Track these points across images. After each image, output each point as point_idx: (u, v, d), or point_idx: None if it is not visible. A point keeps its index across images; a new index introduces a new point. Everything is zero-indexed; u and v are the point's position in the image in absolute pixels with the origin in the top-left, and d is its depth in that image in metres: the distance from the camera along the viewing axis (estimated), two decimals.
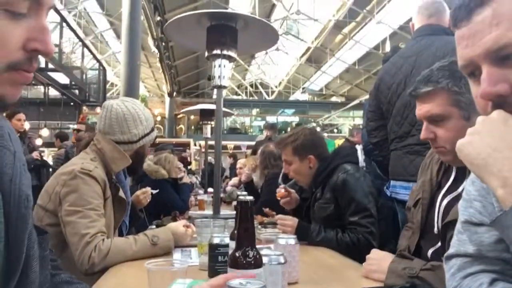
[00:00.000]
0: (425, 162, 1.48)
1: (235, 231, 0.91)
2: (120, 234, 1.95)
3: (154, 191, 2.48)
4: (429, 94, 1.26)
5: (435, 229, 1.30)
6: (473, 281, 0.86)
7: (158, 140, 7.55)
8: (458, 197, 1.24)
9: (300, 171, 2.14)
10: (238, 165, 4.96)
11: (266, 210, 2.79)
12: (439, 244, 1.28)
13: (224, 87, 2.25)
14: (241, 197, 0.90)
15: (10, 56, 0.57)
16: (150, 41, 12.29)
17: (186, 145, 11.86)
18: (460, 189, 1.27)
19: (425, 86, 1.27)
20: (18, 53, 0.57)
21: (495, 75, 0.74)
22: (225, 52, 2.19)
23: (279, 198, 2.29)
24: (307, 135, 2.15)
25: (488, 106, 0.76)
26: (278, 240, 1.27)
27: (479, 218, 0.89)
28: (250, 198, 0.90)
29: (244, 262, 0.85)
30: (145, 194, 2.38)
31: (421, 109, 1.28)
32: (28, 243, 0.68)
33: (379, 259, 1.32)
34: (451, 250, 0.95)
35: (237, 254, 0.86)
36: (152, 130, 1.90)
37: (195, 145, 12.27)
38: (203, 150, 7.80)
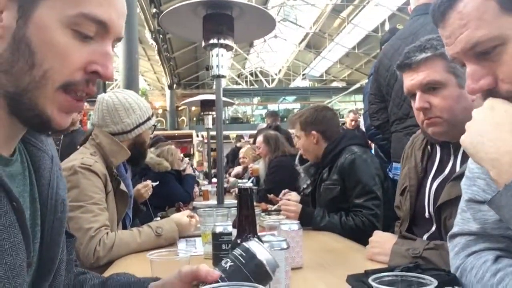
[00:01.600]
0: (407, 151, 1.46)
1: (237, 219, 0.91)
2: (124, 227, 1.95)
3: (155, 183, 2.48)
4: (426, 60, 1.22)
5: (426, 213, 1.29)
6: (477, 259, 0.86)
7: (160, 133, 7.54)
8: (446, 179, 1.24)
9: (306, 146, 2.20)
10: (241, 155, 4.96)
11: (271, 196, 2.79)
12: (434, 228, 1.28)
13: (223, 76, 2.24)
14: (240, 185, 0.89)
15: (70, 75, 0.59)
16: (148, 34, 12.21)
17: (189, 137, 11.84)
18: (446, 171, 1.27)
19: (422, 53, 1.23)
20: (77, 73, 0.60)
21: (477, 72, 0.78)
22: (222, 41, 2.17)
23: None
24: (312, 112, 2.23)
25: (479, 99, 0.81)
26: (281, 226, 1.27)
27: (482, 196, 0.88)
28: (250, 185, 0.90)
29: None
30: (146, 187, 2.38)
31: (416, 78, 1.23)
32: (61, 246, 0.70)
33: (382, 242, 1.32)
34: (454, 229, 0.95)
35: (238, 241, 0.86)
36: (149, 118, 1.89)
37: (197, 136, 12.25)
38: (205, 141, 7.79)
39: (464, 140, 0.77)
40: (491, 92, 0.77)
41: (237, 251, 0.69)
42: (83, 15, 0.59)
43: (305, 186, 2.66)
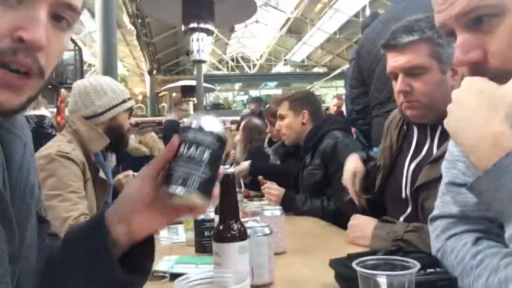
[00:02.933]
0: (384, 131, 1.47)
1: (219, 205, 0.89)
2: None
3: (136, 174, 2.44)
4: (412, 44, 1.22)
5: (403, 194, 1.30)
6: (457, 241, 0.87)
7: (140, 119, 7.44)
8: (423, 161, 1.25)
9: (292, 126, 2.18)
10: None
11: (260, 178, 2.78)
12: (409, 209, 1.29)
13: (204, 61, 2.22)
14: (222, 170, 0.88)
15: None
16: (126, 18, 11.96)
17: None
18: (423, 153, 1.28)
19: (409, 35, 1.22)
20: (4, 40, 0.53)
21: (468, 42, 0.73)
22: (202, 25, 2.14)
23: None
24: (304, 93, 2.28)
25: (462, 75, 0.77)
26: (263, 212, 1.26)
27: (462, 179, 0.89)
28: (231, 170, 0.89)
29: (229, 235, 0.84)
30: (127, 177, 2.34)
31: (399, 60, 1.23)
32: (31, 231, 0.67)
33: (362, 226, 1.33)
34: (435, 212, 0.96)
35: (221, 228, 0.85)
36: (124, 101, 1.84)
37: None
38: None
39: (447, 123, 0.76)
40: (478, 67, 0.73)
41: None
42: None
43: None
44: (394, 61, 1.25)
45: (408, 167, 1.30)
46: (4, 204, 0.59)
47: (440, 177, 1.11)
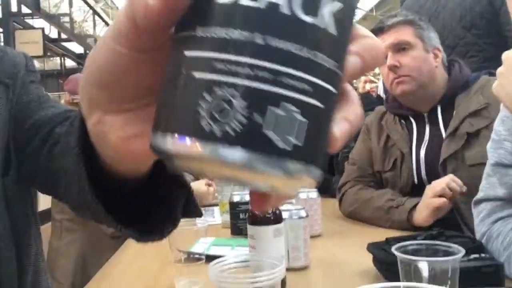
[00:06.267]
0: (370, 128, 1.50)
1: None
2: None
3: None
4: (397, 24, 1.35)
5: (415, 180, 1.34)
6: (504, 225, 0.83)
7: None
8: (430, 144, 1.34)
9: None
10: None
11: None
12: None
13: None
14: None
15: None
16: None
17: None
18: (427, 137, 1.35)
19: (393, 18, 1.38)
20: None
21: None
22: None
23: None
24: None
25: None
26: (299, 195, 1.25)
27: (510, 160, 0.85)
28: None
29: (264, 218, 0.83)
30: None
31: (387, 39, 1.34)
32: None
33: None
34: (479, 195, 0.92)
35: (256, 212, 0.84)
36: None
37: None
38: None
39: (498, 90, 0.72)
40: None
41: None
42: None
43: None
44: (383, 40, 1.33)
45: (417, 155, 1.35)
46: None
47: (462, 147, 1.23)
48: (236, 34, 0.18)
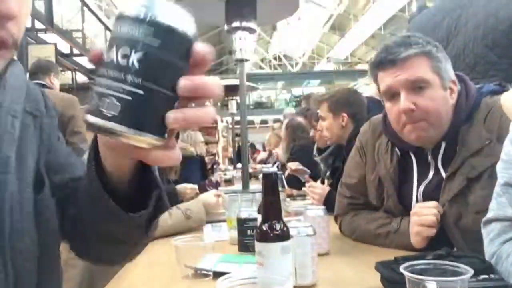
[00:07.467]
0: (368, 143, 1.39)
1: (261, 204, 0.89)
2: None
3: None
4: (413, 57, 1.14)
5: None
6: None
7: None
8: (432, 182, 1.21)
9: (332, 128, 2.13)
10: (266, 143, 4.97)
11: (306, 176, 2.74)
12: None
13: (246, 60, 2.21)
14: (264, 170, 0.88)
15: None
16: None
17: (213, 122, 11.90)
18: (430, 175, 1.22)
19: (408, 49, 1.14)
20: None
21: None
22: (244, 24, 2.14)
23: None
24: (344, 93, 2.18)
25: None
26: (306, 212, 1.25)
27: None
28: (274, 170, 0.88)
29: (272, 234, 0.84)
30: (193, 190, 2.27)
31: (401, 75, 1.14)
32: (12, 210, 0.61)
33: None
34: (489, 214, 0.91)
35: (263, 228, 0.84)
36: None
37: (221, 121, 12.30)
38: (230, 126, 7.81)
39: (508, 107, 0.71)
40: None
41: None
42: None
43: (325, 176, 2.61)
44: (394, 77, 1.15)
45: (417, 190, 1.23)
46: None
47: (464, 188, 1.10)
48: (106, 74, 0.41)
